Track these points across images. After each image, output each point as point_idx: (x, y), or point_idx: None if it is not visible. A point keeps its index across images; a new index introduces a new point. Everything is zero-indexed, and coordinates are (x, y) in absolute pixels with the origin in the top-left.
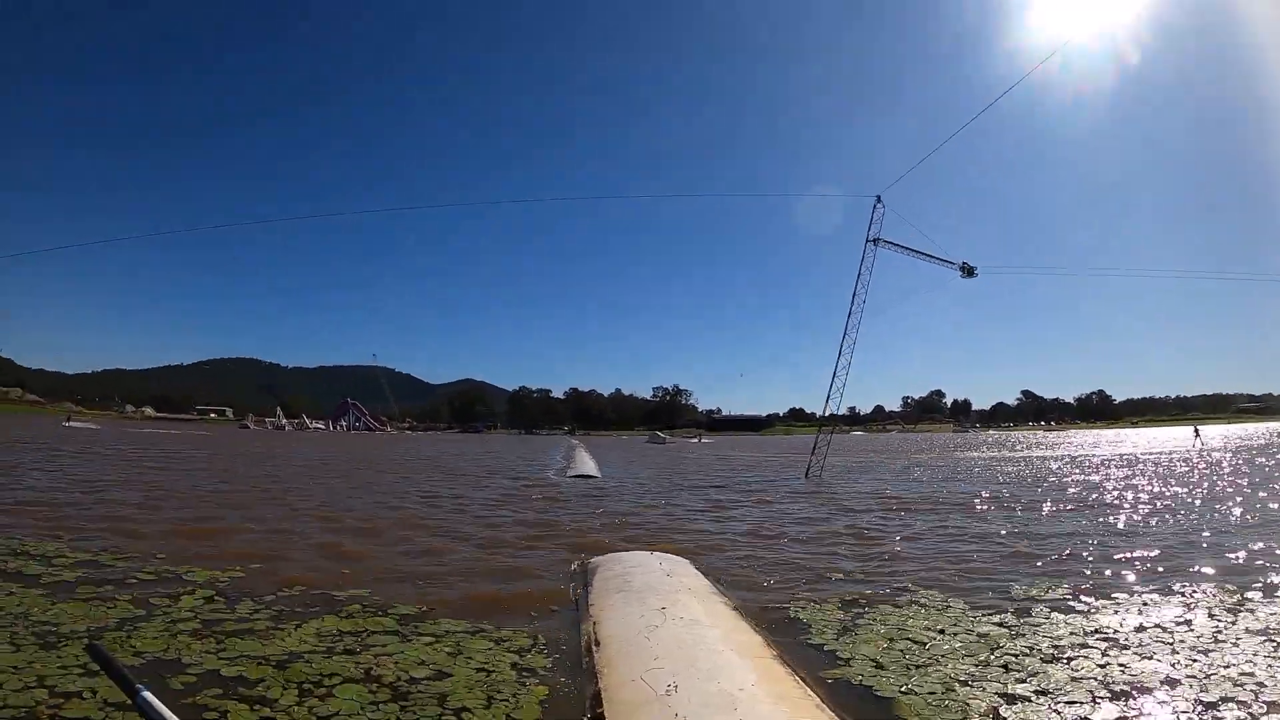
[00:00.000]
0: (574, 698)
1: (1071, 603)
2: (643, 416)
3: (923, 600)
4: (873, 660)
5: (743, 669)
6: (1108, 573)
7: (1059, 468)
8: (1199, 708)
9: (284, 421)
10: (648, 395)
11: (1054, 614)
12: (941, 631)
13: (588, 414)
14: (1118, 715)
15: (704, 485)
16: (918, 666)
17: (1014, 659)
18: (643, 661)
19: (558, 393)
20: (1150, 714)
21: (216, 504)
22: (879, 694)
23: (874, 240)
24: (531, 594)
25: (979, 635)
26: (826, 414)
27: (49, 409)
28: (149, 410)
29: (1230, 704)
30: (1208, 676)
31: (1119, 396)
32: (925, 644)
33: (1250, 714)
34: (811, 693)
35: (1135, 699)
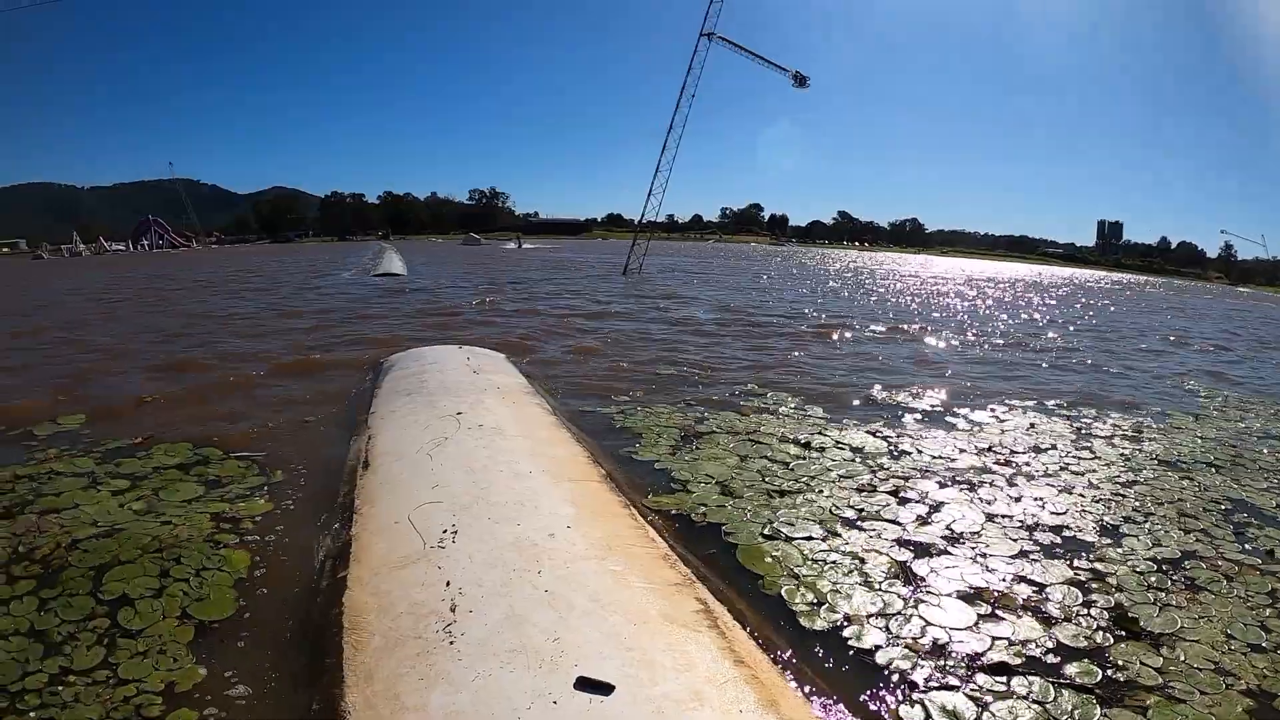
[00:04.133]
0: (299, 559)
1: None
2: (459, 220)
3: (772, 405)
4: (720, 484)
5: (555, 499)
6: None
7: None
8: None
9: (81, 247)
10: (465, 199)
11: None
12: (804, 445)
13: (403, 219)
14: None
15: (517, 282)
16: (780, 493)
17: (898, 479)
18: (418, 491)
19: (371, 197)
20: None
21: None
22: (732, 537)
23: (708, 35)
24: (299, 403)
25: (851, 449)
26: (646, 214)
27: None
28: None
29: None
30: None
31: (931, 226)
32: (786, 463)
33: None
34: (656, 537)
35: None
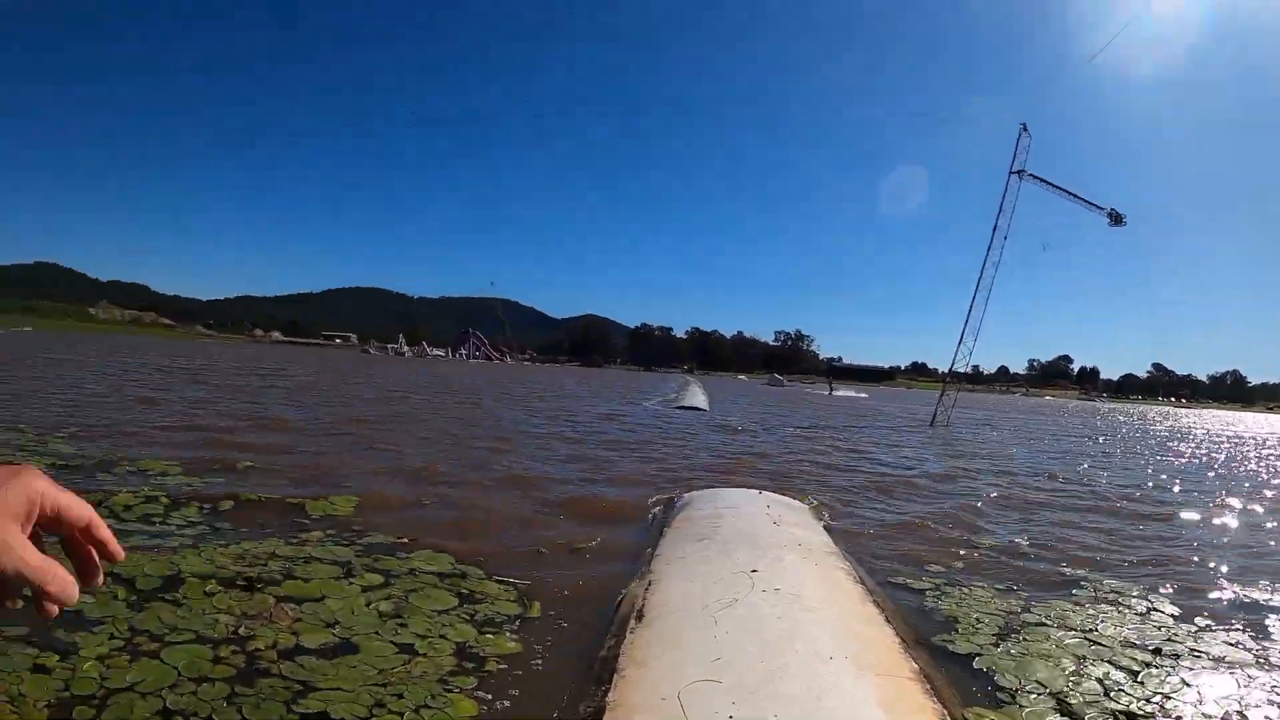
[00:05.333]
0: None
1: None
2: (763, 360)
3: (1110, 595)
4: (1055, 696)
5: (859, 698)
6: None
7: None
8: None
9: (405, 348)
10: (769, 339)
11: None
12: (1154, 651)
13: (708, 353)
14: None
15: (818, 427)
16: (1129, 716)
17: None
18: (696, 660)
19: (679, 331)
20: None
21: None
22: None
23: (1018, 172)
24: (576, 532)
25: (1210, 659)
26: (955, 363)
27: (180, 333)
28: (277, 334)
29: None
30: None
31: (1254, 379)
32: (1134, 672)
33: None
34: None
35: None
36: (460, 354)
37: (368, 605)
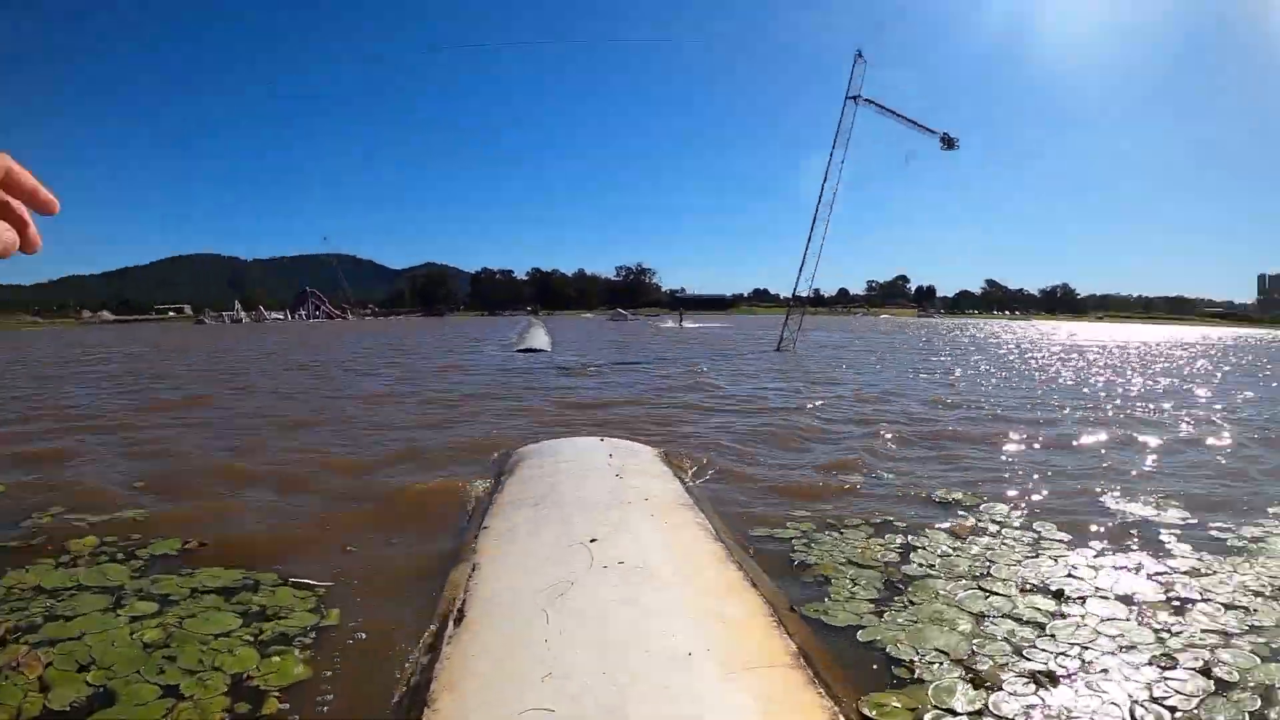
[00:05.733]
0: None
1: None
2: (607, 296)
3: (992, 526)
4: (963, 666)
5: (733, 706)
6: None
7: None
8: None
9: (241, 314)
10: (612, 275)
11: None
12: (1056, 595)
13: (551, 294)
14: None
15: (667, 360)
16: (1050, 678)
17: (1197, 646)
18: (522, 681)
19: (520, 273)
20: None
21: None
22: None
23: (854, 98)
24: (397, 507)
25: (1118, 599)
26: (798, 288)
27: (5, 324)
28: (106, 314)
29: None
30: None
31: (1082, 291)
32: (1040, 625)
33: None
34: None
35: None
36: (300, 315)
37: (132, 636)
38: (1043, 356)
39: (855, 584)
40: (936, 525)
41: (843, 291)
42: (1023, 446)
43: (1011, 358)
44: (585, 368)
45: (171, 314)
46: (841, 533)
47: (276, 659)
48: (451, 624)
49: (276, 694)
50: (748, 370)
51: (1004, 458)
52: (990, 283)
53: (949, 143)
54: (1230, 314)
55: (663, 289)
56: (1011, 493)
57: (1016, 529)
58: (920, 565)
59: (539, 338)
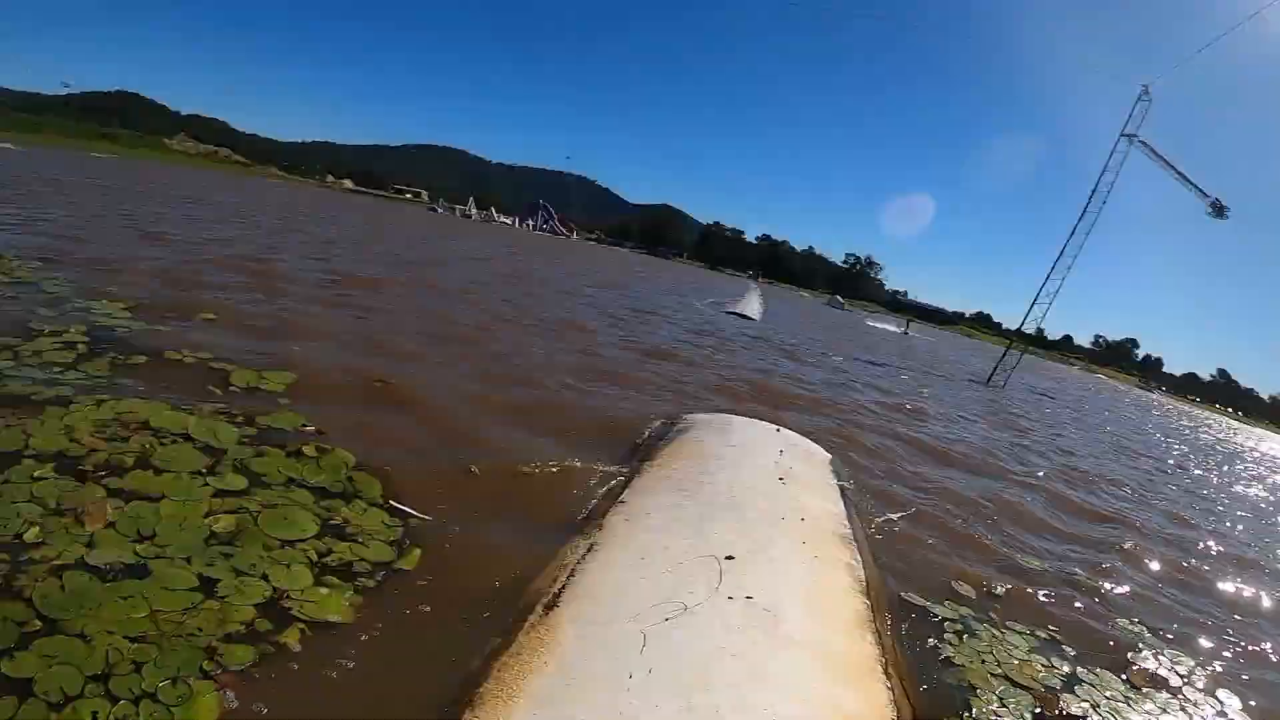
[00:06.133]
0: None
1: None
2: (828, 280)
3: (1173, 677)
4: None
5: None
6: None
7: None
8: None
9: (473, 211)
10: (839, 260)
11: None
12: None
13: (775, 263)
14: None
15: (868, 359)
16: None
17: None
18: (593, 715)
19: (750, 236)
20: None
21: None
22: None
23: (1129, 135)
24: (529, 456)
25: None
26: (1025, 323)
27: (253, 170)
28: (348, 183)
29: None
30: None
31: None
32: None
33: None
34: None
35: None
36: (528, 224)
37: (205, 518)
38: None
39: (1003, 705)
40: (1113, 657)
41: (1066, 338)
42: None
43: None
44: (794, 348)
45: (409, 195)
46: (1003, 634)
47: (325, 590)
48: (539, 609)
49: (304, 625)
50: (949, 398)
51: (1224, 608)
52: (1222, 373)
53: (1219, 210)
54: None
55: (885, 286)
56: (1207, 645)
57: (1199, 692)
58: (1083, 703)
59: (752, 304)
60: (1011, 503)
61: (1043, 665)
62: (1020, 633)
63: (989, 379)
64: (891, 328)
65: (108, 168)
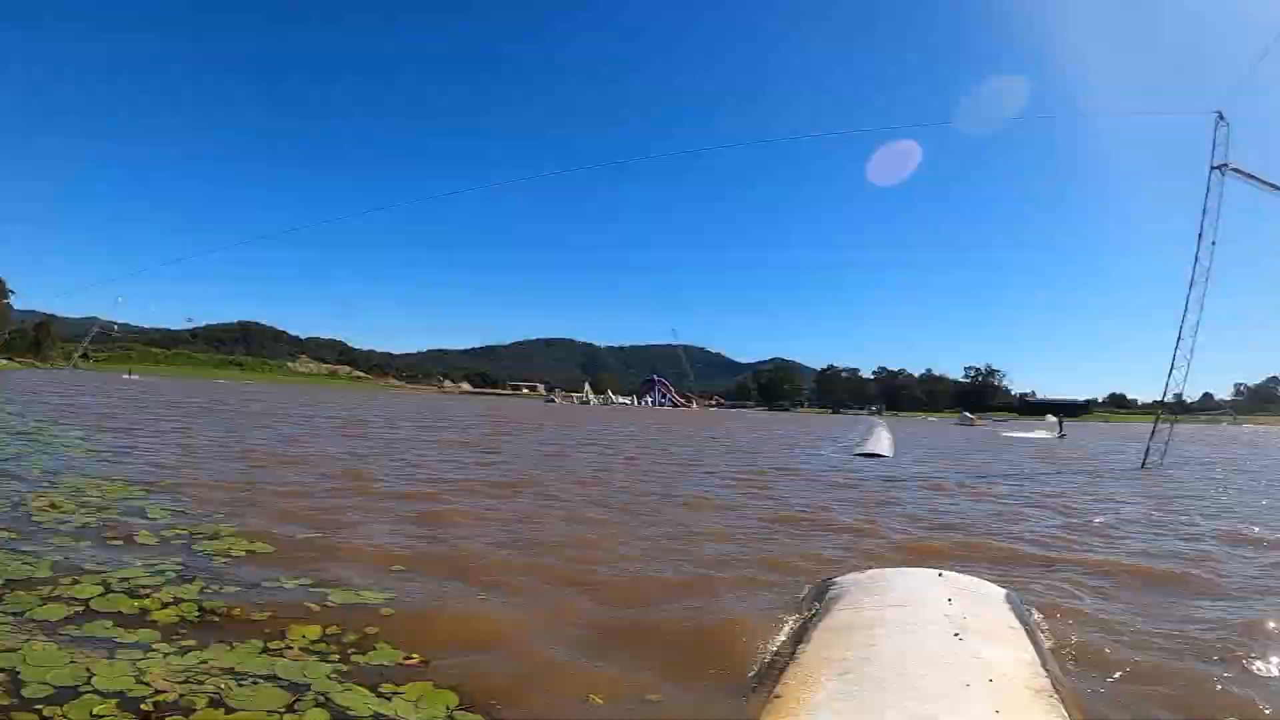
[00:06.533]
0: None
1: None
2: (953, 398)
3: None
4: None
5: None
6: None
7: None
8: None
9: (590, 397)
10: (959, 376)
11: None
12: None
13: (896, 394)
14: None
15: (1009, 472)
16: None
17: None
18: None
19: (866, 372)
20: None
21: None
22: None
23: (1219, 167)
24: (675, 643)
25: None
26: (1168, 391)
27: (373, 383)
28: (465, 385)
29: None
30: None
31: None
32: None
33: None
34: None
35: None
36: (646, 400)
37: None
38: None
39: None
40: None
41: (1206, 396)
42: None
43: None
44: (932, 480)
45: (525, 390)
46: None
47: None
48: None
49: None
50: (1108, 491)
51: None
52: None
53: None
54: None
55: (1012, 392)
56: None
57: None
58: None
59: (881, 441)
60: (1228, 628)
61: None
62: None
63: (1143, 462)
64: (1032, 434)
65: (229, 390)
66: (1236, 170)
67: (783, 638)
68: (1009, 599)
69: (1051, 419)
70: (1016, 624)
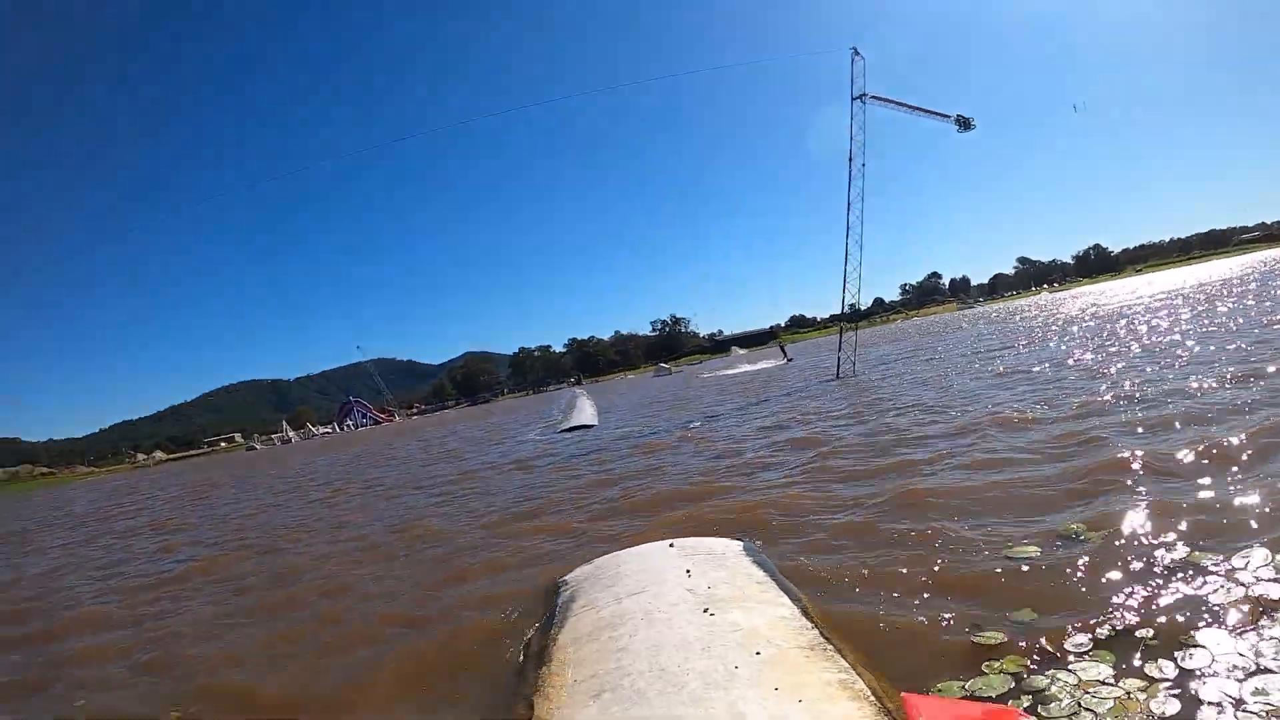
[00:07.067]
0: None
1: None
2: (646, 353)
3: None
4: None
5: None
6: None
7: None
8: None
9: (290, 434)
10: (648, 331)
11: None
12: None
13: (591, 361)
14: None
15: (720, 411)
16: None
17: None
18: None
19: (558, 346)
20: None
21: None
22: None
23: (859, 97)
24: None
25: None
26: (844, 304)
27: (62, 476)
28: (159, 454)
29: None
30: None
31: (1115, 247)
32: None
33: None
34: None
35: None
36: (348, 425)
37: None
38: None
39: None
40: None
41: (878, 301)
42: None
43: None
44: (639, 440)
45: (223, 444)
46: (1072, 669)
47: None
48: None
49: None
50: (813, 405)
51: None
52: (1022, 260)
53: (964, 124)
54: (1270, 234)
55: (701, 334)
56: None
57: None
58: None
59: (585, 411)
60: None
61: (1140, 688)
62: (1088, 652)
63: (838, 373)
64: (758, 366)
65: None
66: (875, 97)
67: (523, 659)
68: (746, 550)
69: (738, 353)
70: (763, 576)
